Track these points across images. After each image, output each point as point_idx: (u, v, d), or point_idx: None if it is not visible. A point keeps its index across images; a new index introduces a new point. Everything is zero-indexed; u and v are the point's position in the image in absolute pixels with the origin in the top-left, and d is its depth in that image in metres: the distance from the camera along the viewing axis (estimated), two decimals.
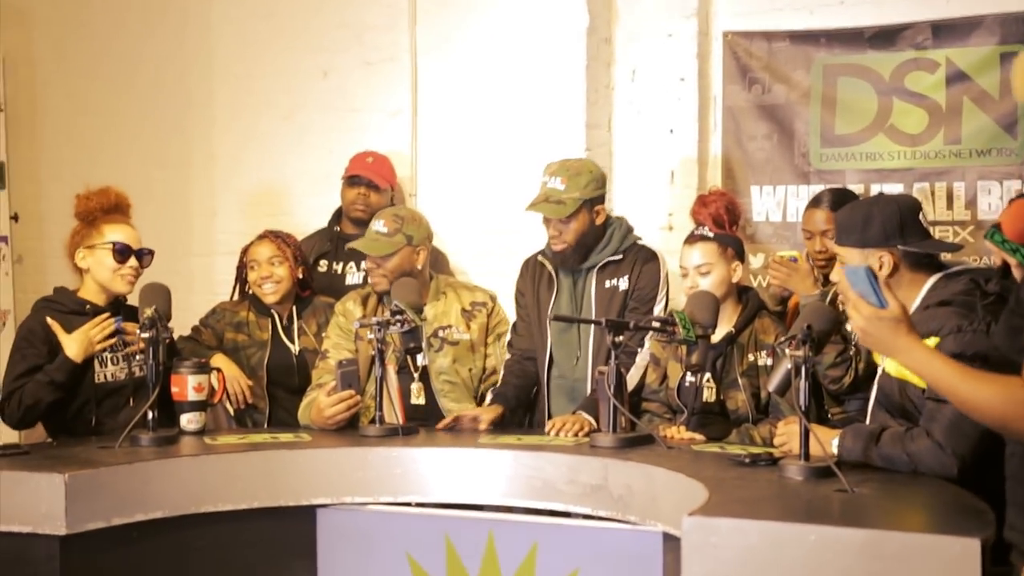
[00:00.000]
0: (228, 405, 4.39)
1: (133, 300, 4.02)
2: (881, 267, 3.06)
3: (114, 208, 4.05)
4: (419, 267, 4.27)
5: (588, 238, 4.28)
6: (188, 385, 3.86)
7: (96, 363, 3.90)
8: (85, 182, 4.15)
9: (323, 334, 4.38)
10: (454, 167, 5.39)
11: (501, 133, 5.25)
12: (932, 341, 2.91)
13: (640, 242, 4.36)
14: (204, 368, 3.93)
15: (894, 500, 2.76)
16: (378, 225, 4.27)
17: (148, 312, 3.71)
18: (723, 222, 3.99)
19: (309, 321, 4.48)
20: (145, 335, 3.67)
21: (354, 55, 5.60)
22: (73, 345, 3.82)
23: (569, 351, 4.29)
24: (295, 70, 5.70)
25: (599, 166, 4.40)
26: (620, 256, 4.29)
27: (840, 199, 4.24)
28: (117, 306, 4.02)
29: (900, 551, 2.35)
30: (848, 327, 3.37)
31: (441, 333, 4.22)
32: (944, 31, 4.75)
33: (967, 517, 2.51)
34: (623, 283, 4.25)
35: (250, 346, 4.42)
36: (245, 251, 4.53)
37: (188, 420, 3.87)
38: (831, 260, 3.86)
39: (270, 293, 4.41)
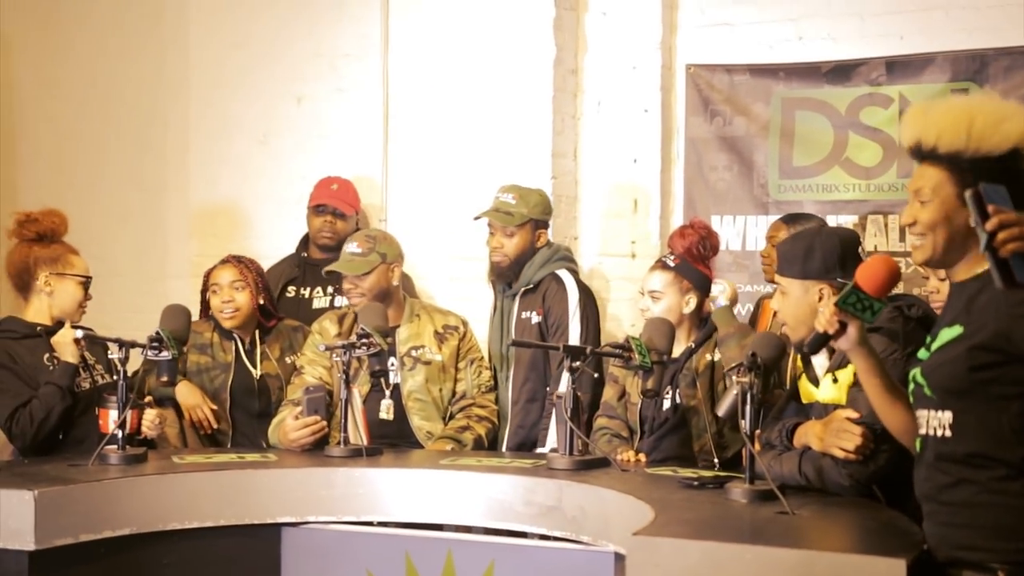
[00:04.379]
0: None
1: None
2: (821, 299, 3.12)
3: (65, 231, 4.11)
4: (395, 283, 4.38)
5: (526, 256, 4.52)
6: (110, 419, 3.83)
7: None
8: (64, 205, 4.20)
9: (287, 358, 4.46)
10: (423, 194, 5.49)
11: (470, 161, 5.36)
12: (851, 368, 2.99)
13: (557, 271, 4.54)
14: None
15: (831, 522, 2.85)
16: (352, 247, 4.37)
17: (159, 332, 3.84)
18: (696, 255, 4.09)
19: (272, 345, 4.49)
20: (116, 356, 3.75)
21: (327, 82, 5.71)
22: (67, 349, 3.90)
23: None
24: (270, 96, 5.81)
25: (547, 196, 4.62)
26: (533, 285, 4.52)
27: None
28: (59, 325, 4.03)
29: (830, 570, 2.43)
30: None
31: (414, 353, 4.31)
32: (897, 68, 4.92)
33: (896, 538, 2.60)
34: (534, 317, 4.51)
35: (213, 368, 4.41)
36: (208, 274, 4.51)
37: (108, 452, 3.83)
38: None
39: (228, 318, 4.40)
